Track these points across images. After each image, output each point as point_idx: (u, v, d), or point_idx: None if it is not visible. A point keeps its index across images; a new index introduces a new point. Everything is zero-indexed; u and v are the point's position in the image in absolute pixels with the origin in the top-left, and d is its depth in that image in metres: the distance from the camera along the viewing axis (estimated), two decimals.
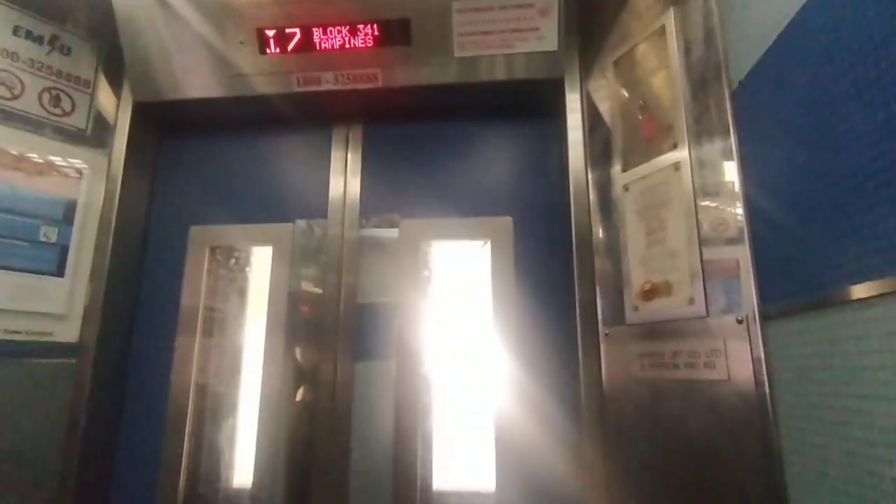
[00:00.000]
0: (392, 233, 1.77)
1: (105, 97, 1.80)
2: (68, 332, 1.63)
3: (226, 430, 1.74)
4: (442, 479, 1.60)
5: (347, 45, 1.65)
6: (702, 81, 1.29)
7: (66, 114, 1.72)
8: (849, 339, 0.84)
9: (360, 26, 1.63)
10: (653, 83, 1.46)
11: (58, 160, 1.68)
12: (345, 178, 1.83)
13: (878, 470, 0.78)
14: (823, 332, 0.90)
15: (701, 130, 1.28)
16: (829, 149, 0.88)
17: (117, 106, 1.82)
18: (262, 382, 1.68)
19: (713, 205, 1.23)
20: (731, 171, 1.18)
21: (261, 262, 1.82)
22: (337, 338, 1.69)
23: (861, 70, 0.81)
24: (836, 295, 0.86)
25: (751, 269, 1.11)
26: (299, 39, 1.66)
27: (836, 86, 0.86)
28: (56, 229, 1.64)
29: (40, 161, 1.65)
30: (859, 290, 0.81)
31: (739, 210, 1.15)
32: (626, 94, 1.54)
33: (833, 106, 0.87)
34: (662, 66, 1.41)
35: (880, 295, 0.77)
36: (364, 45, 1.65)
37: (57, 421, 1.56)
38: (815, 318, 0.92)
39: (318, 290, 1.75)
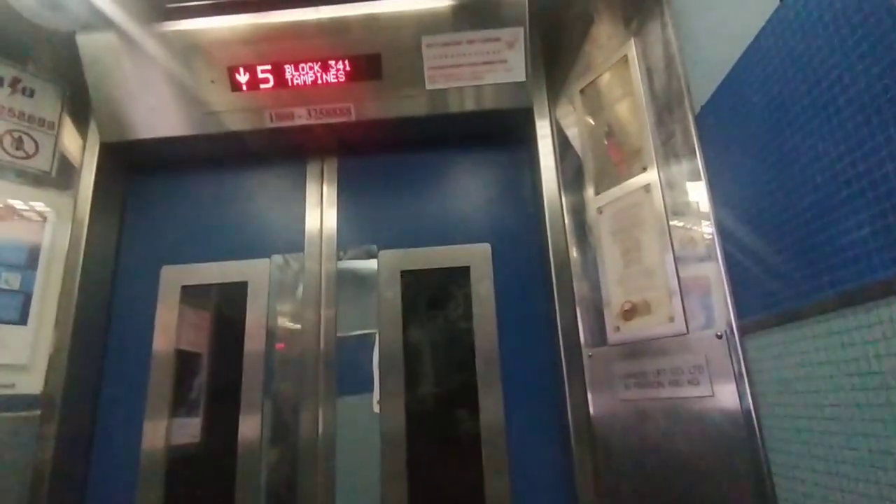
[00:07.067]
0: (370, 264, 1.76)
1: (70, 138, 1.76)
2: (32, 383, 1.54)
3: (205, 478, 1.65)
4: None
5: (319, 81, 1.67)
6: (666, 106, 1.34)
7: (29, 156, 1.67)
8: (820, 349, 0.87)
9: (332, 62, 1.65)
10: (619, 109, 1.51)
11: (20, 204, 1.63)
12: (321, 212, 1.82)
13: (863, 478, 0.79)
14: (798, 344, 0.93)
15: (668, 153, 1.33)
16: (790, 167, 0.93)
17: (83, 147, 1.78)
18: (241, 423, 1.62)
19: (685, 224, 1.27)
20: (699, 191, 1.23)
21: (237, 299, 1.77)
22: (318, 373, 1.65)
23: (816, 92, 0.86)
24: (806, 308, 0.89)
25: (725, 285, 1.14)
26: (271, 76, 1.67)
27: (793, 107, 0.91)
28: (19, 275, 1.57)
29: (1, 205, 1.59)
30: (827, 303, 0.84)
31: (710, 228, 1.19)
32: (594, 121, 1.59)
33: (792, 127, 0.92)
34: (627, 94, 1.47)
35: (846, 306, 0.80)
36: (336, 81, 1.67)
37: (20, 477, 1.46)
38: (789, 331, 0.95)
39: (297, 326, 1.71)
